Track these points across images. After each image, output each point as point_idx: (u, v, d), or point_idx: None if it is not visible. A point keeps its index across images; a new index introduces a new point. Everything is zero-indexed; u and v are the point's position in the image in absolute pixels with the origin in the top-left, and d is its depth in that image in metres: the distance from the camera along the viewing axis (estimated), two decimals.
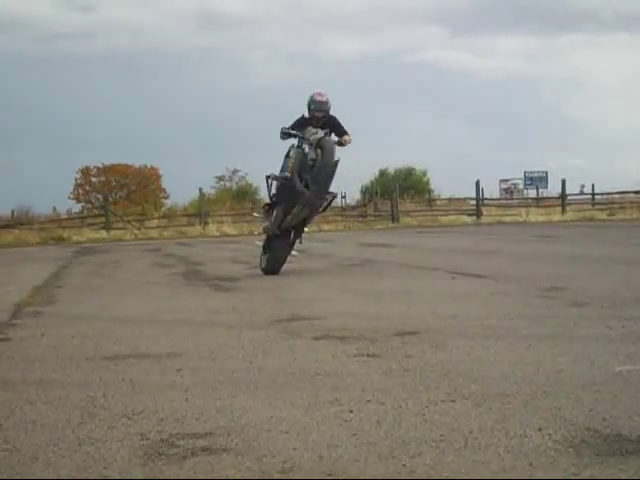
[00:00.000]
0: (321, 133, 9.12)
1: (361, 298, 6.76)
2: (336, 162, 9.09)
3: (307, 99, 9.38)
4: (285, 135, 9.13)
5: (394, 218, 30.99)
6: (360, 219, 32.77)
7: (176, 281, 9.32)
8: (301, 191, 8.96)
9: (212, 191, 43.46)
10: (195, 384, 3.53)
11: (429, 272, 9.07)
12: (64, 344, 4.83)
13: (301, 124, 9.25)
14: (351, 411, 2.93)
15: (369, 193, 39.78)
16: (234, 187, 46.79)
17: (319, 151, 8.97)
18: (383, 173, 46.11)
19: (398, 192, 32.31)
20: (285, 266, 10.73)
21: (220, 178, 49.45)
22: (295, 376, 3.63)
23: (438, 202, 38.46)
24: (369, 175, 46.19)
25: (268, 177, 9.43)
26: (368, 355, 4.04)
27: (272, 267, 9.40)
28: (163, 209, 38.99)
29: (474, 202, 32.52)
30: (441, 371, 3.59)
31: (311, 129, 9.15)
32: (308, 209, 9.21)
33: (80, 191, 51.49)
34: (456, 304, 5.99)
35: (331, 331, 4.81)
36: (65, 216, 34.43)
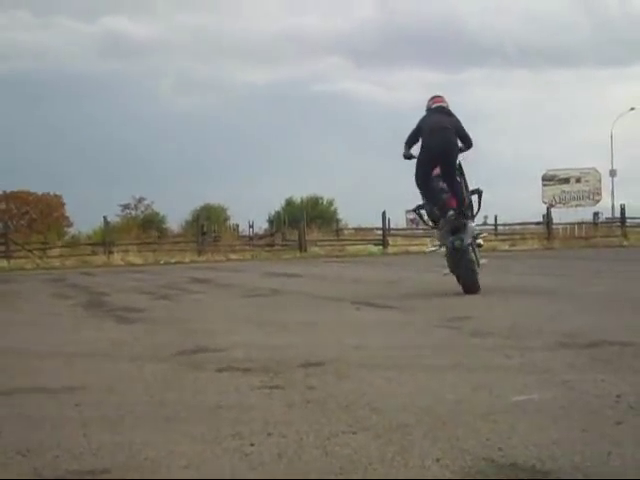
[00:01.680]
0: None
1: (266, 329, 6.75)
2: None
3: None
4: None
5: (301, 247, 31.14)
6: (267, 248, 32.79)
7: (78, 312, 9.13)
8: None
9: (117, 219, 42.94)
10: (94, 419, 3.46)
11: (334, 303, 9.13)
12: None
13: None
14: (252, 444, 2.91)
15: (276, 222, 39.92)
16: (140, 216, 46.35)
17: None
18: (289, 202, 46.39)
19: (306, 221, 32.51)
20: (190, 296, 10.70)
21: (125, 206, 48.92)
22: (197, 409, 3.59)
23: (345, 232, 38.83)
24: (276, 204, 46.36)
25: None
26: (271, 387, 4.02)
27: None
28: (66, 238, 38.28)
29: (381, 232, 32.94)
30: (343, 402, 3.60)
31: None
32: None
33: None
34: (360, 335, 6.03)
35: (235, 363, 4.78)
36: None
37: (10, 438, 3.17)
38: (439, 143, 9.52)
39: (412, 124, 9.92)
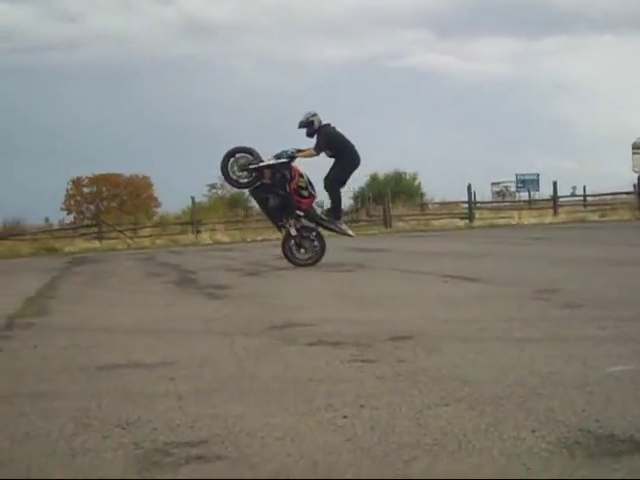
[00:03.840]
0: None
1: (354, 303, 6.76)
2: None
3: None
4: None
5: (386, 223, 31.02)
6: (353, 224, 32.77)
7: (169, 290, 9.31)
8: None
9: (205, 199, 43.51)
10: (189, 392, 3.53)
11: (421, 276, 9.09)
12: (57, 355, 4.82)
13: None
14: (345, 417, 2.93)
15: (361, 198, 39.85)
16: (227, 195, 46.84)
17: None
18: (374, 178, 46.20)
19: (390, 196, 32.37)
20: (277, 272, 10.81)
21: (212, 186, 49.50)
22: (289, 382, 3.63)
23: (430, 206, 38.55)
24: (359, 180, 46.24)
25: None
26: (362, 360, 4.04)
27: None
28: (155, 218, 38.98)
29: (466, 205, 32.58)
30: (434, 375, 3.60)
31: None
32: None
33: (72, 202, 51.44)
34: (449, 308, 6.00)
35: (324, 337, 4.81)
36: (57, 227, 34.35)
37: (109, 411, 3.25)
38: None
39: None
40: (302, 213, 11.44)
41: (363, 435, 2.69)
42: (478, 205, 34.26)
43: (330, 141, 11.48)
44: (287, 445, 2.63)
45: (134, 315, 6.85)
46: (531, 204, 36.69)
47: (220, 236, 28.99)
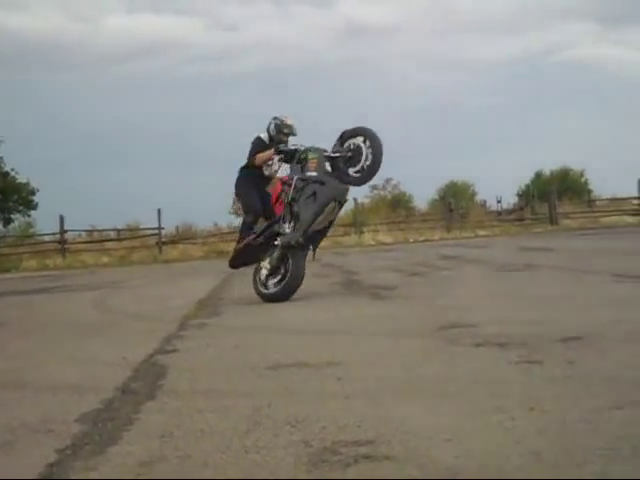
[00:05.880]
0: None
1: (520, 304, 6.64)
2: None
3: (272, 122, 9.33)
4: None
5: (552, 221, 30.28)
6: (517, 223, 32.19)
7: (334, 290, 9.43)
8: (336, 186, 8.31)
9: (367, 200, 43.81)
10: (355, 392, 3.57)
11: (591, 276, 8.80)
12: (229, 354, 4.98)
13: (263, 148, 9.19)
14: (513, 419, 2.89)
15: (526, 196, 39.08)
16: (388, 196, 47.01)
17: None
18: (539, 175, 45.22)
19: (556, 194, 31.57)
20: (441, 273, 10.73)
21: (374, 187, 49.82)
22: (455, 384, 3.62)
23: (598, 203, 37.30)
24: (524, 178, 45.38)
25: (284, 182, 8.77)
26: (529, 362, 3.96)
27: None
28: None
29: (637, 201, 31.32)
30: (606, 377, 3.48)
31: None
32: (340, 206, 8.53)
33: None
34: (621, 309, 5.78)
35: (490, 338, 4.75)
36: (226, 230, 35.45)
37: (279, 410, 3.34)
38: None
39: None
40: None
41: (533, 438, 2.64)
42: None
43: None
44: (455, 446, 2.62)
45: (300, 316, 6.98)
46: None
47: (382, 237, 29.17)
